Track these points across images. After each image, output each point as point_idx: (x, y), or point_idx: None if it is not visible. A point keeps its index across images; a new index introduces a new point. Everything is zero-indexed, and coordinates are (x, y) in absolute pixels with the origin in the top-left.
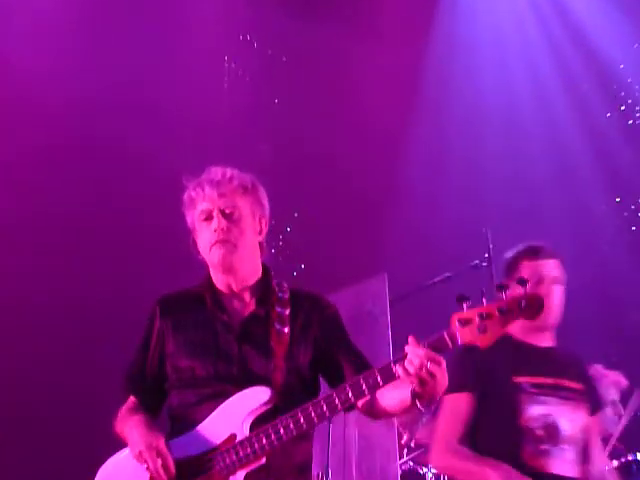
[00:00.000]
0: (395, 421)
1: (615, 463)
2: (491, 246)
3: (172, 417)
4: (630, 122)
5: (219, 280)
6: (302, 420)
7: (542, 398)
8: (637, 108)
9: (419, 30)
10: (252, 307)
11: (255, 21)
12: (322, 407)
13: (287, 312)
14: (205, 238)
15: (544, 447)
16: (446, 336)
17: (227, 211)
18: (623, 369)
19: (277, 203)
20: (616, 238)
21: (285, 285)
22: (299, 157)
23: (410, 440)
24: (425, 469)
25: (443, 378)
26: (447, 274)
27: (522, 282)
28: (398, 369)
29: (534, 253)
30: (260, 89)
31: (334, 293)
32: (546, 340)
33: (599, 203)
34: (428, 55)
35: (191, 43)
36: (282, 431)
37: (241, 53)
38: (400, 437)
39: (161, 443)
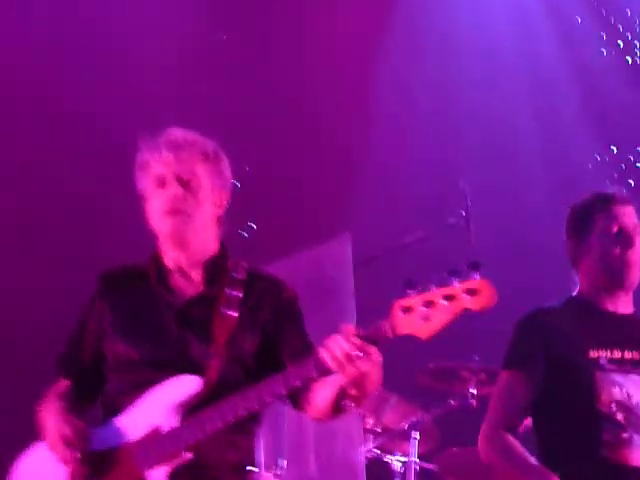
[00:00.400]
0: None
1: None
2: (469, 202)
3: (103, 404)
4: (630, 60)
5: (168, 254)
6: (229, 413)
7: (623, 376)
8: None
9: None
10: (200, 287)
11: None
12: (251, 400)
13: (239, 295)
14: (157, 206)
15: (626, 435)
16: (385, 325)
17: (184, 178)
18: None
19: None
20: None
21: (244, 265)
22: (251, 104)
23: (376, 425)
24: (392, 457)
25: (375, 374)
26: (420, 234)
27: (475, 266)
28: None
29: (609, 201)
30: (215, 26)
31: (290, 256)
32: (625, 305)
33: (590, 152)
34: None
35: None
36: (208, 425)
37: None
38: (364, 421)
39: (70, 432)
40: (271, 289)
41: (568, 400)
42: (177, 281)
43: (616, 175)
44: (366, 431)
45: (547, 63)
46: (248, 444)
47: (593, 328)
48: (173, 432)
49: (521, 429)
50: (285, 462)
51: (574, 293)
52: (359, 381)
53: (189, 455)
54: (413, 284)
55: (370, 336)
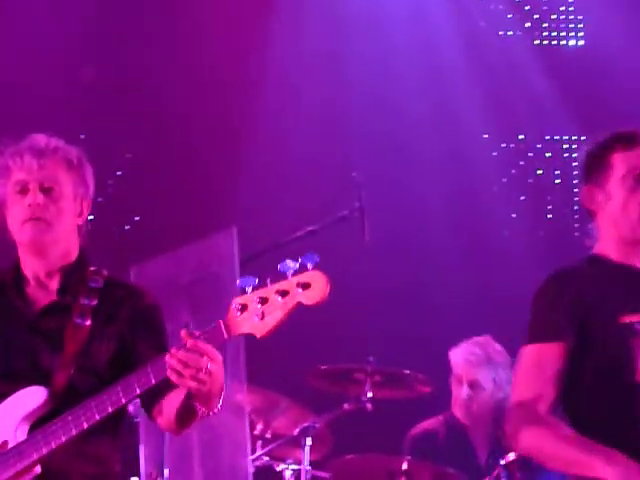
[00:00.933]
0: (246, 407)
1: (512, 456)
2: (362, 193)
3: None
4: (536, 42)
5: (26, 263)
6: (72, 425)
7: None
8: (544, 26)
9: None
10: (55, 295)
11: None
12: (92, 411)
13: (93, 303)
14: (17, 213)
15: None
16: (221, 325)
17: (46, 185)
18: None
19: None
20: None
21: (103, 274)
22: (132, 88)
23: (265, 430)
24: (283, 465)
25: (219, 374)
26: (310, 228)
27: (310, 258)
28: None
29: (630, 140)
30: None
31: (173, 251)
32: None
33: (495, 141)
34: None
35: None
36: (52, 438)
37: None
38: (253, 427)
39: None
40: (129, 297)
41: (602, 370)
42: (33, 290)
43: (522, 163)
44: (255, 437)
45: (446, 47)
46: (105, 454)
47: (622, 289)
48: (18, 446)
49: None
50: (168, 471)
51: (594, 250)
52: (201, 383)
53: (37, 470)
54: (251, 280)
55: (207, 338)
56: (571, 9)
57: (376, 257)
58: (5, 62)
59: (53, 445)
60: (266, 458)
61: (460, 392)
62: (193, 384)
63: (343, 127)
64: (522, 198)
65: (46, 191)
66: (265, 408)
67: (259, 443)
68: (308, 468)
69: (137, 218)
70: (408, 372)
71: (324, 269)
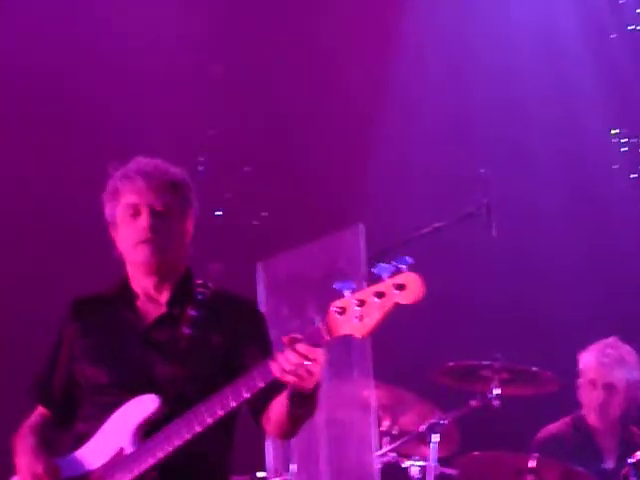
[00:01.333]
0: (373, 404)
1: None
2: (490, 190)
3: (75, 430)
4: None
5: (138, 280)
6: (185, 430)
7: None
8: None
9: None
10: (165, 308)
11: None
12: (203, 415)
13: (200, 314)
14: (130, 235)
15: None
16: (322, 328)
17: (156, 208)
18: None
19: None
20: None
21: (210, 286)
22: (258, 86)
23: (392, 427)
24: (409, 462)
25: (318, 374)
26: (437, 224)
27: (402, 260)
28: (274, 369)
29: None
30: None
31: (299, 247)
32: None
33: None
34: None
35: None
36: (166, 443)
37: None
38: (380, 423)
39: (40, 469)
40: (235, 308)
41: None
42: (143, 304)
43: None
44: (382, 434)
45: (571, 44)
46: (218, 455)
47: None
48: (135, 453)
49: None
50: (295, 467)
51: None
52: (300, 378)
53: (153, 475)
54: (348, 284)
55: (309, 340)
56: None
57: (501, 254)
58: (136, 60)
59: (169, 449)
60: (393, 454)
61: (593, 396)
62: (293, 378)
63: (469, 125)
64: None
65: (156, 213)
66: (392, 404)
67: (386, 439)
68: (435, 465)
69: (265, 214)
70: (536, 369)
71: (450, 265)
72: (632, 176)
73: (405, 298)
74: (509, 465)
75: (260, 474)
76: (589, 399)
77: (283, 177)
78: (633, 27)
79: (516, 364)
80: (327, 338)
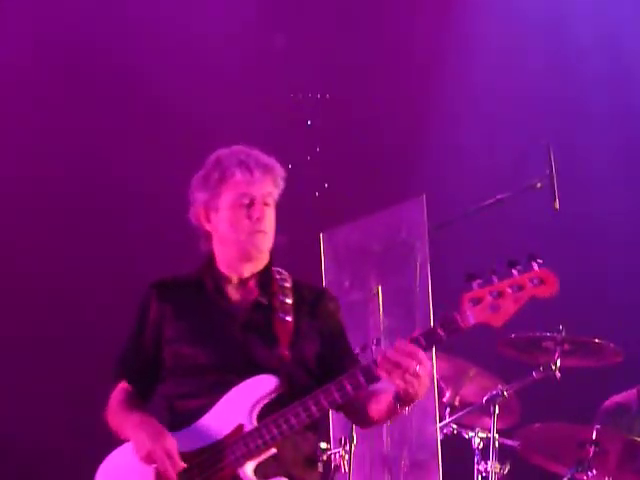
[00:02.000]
0: (435, 375)
1: None
2: (553, 163)
3: (171, 406)
4: None
5: (232, 265)
6: (313, 408)
7: None
8: None
9: None
10: (254, 294)
11: None
12: (311, 409)
13: (290, 301)
14: (243, 223)
15: None
16: (457, 317)
17: (267, 200)
18: None
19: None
20: None
21: (286, 273)
22: (322, 58)
23: (454, 398)
24: (471, 433)
25: (426, 378)
26: (499, 196)
27: (533, 258)
28: (380, 371)
29: None
30: None
31: (363, 218)
32: None
33: None
34: None
35: None
36: (293, 420)
37: None
38: (442, 394)
39: (170, 444)
40: (320, 298)
41: None
42: (234, 288)
43: None
44: (443, 405)
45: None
46: (315, 440)
47: None
48: (258, 429)
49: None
50: (355, 437)
51: None
52: (408, 384)
53: (273, 450)
54: (475, 276)
55: (443, 327)
56: None
57: (564, 225)
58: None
59: (297, 426)
60: (454, 426)
61: None
62: (401, 383)
63: (533, 95)
64: None
65: (267, 205)
66: (454, 376)
67: (447, 411)
68: (496, 436)
69: (327, 185)
70: (598, 341)
71: (512, 237)
72: None
73: (543, 292)
74: (570, 437)
75: (323, 445)
76: None
77: (345, 148)
78: None
79: (579, 336)
80: (463, 326)
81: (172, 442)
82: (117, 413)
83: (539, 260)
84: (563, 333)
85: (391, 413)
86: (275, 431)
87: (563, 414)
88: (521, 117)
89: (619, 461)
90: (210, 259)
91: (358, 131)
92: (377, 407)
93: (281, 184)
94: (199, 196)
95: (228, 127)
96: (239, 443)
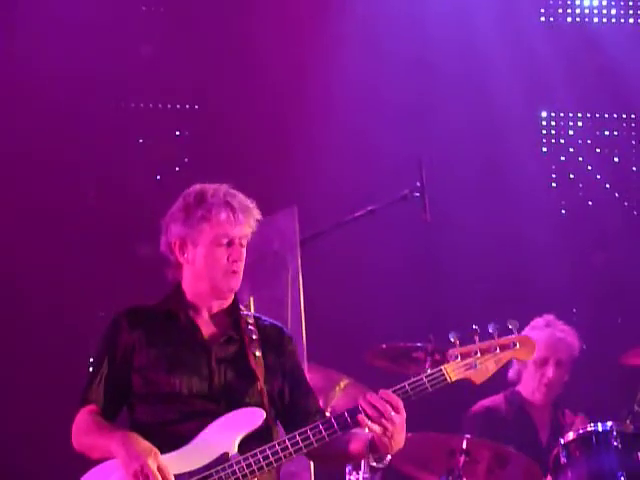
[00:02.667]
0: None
1: (572, 435)
2: (424, 174)
3: (146, 432)
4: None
5: (204, 300)
6: (300, 442)
7: None
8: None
9: None
10: (225, 329)
11: None
12: (299, 444)
13: (256, 337)
14: (221, 262)
15: None
16: (444, 370)
17: (243, 242)
18: None
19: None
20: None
21: (248, 312)
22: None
23: (325, 408)
24: None
25: (402, 425)
26: (370, 207)
27: (513, 324)
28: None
29: None
30: None
31: None
32: None
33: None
34: None
35: None
36: (280, 452)
37: None
38: None
39: (160, 460)
40: (281, 336)
41: None
42: (206, 322)
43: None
44: None
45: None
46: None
47: None
48: (244, 459)
49: None
50: None
51: None
52: (383, 428)
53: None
54: (458, 336)
55: (431, 382)
56: None
57: (435, 237)
58: None
59: (283, 459)
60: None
61: (545, 373)
62: (377, 428)
63: (404, 107)
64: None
65: (242, 246)
66: (325, 387)
67: None
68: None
69: None
70: None
71: (384, 248)
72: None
73: (521, 354)
74: (441, 446)
75: None
76: (535, 376)
77: (215, 159)
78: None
79: (448, 346)
80: (449, 381)
81: (161, 460)
82: (92, 432)
83: (516, 323)
84: (433, 343)
85: (362, 457)
86: (261, 461)
87: (436, 424)
88: (393, 129)
89: (488, 469)
90: (178, 289)
91: (227, 142)
92: (356, 446)
93: (255, 227)
94: (177, 228)
95: (98, 137)
96: (225, 469)
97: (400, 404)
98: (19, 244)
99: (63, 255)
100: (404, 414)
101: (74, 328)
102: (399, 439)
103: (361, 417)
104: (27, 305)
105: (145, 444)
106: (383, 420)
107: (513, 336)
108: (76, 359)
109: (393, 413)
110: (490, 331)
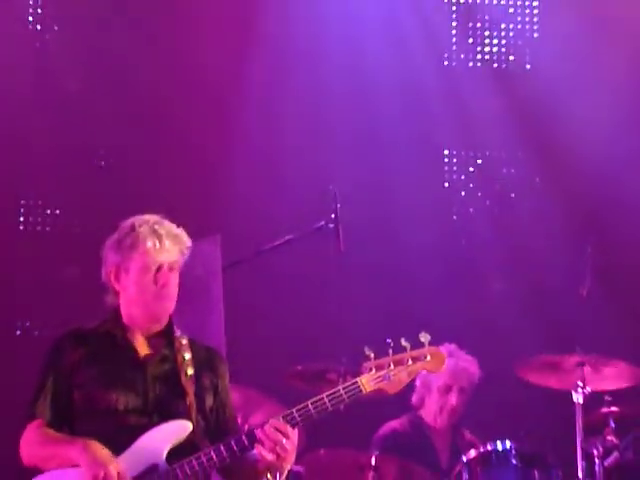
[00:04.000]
0: None
1: (473, 453)
2: (339, 206)
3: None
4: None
5: (138, 322)
6: (215, 459)
7: None
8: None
9: None
10: (160, 349)
11: None
12: (213, 459)
13: (188, 356)
14: (150, 288)
15: None
16: (359, 382)
17: (174, 267)
18: None
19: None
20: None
21: (183, 334)
22: (123, 99)
23: (242, 426)
24: None
25: (292, 451)
26: (288, 237)
27: (425, 337)
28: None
29: None
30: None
31: None
32: None
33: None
34: None
35: None
36: (205, 463)
37: None
38: None
39: (121, 467)
40: (213, 357)
41: None
42: (140, 344)
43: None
44: None
45: (414, 66)
46: None
47: None
48: (172, 469)
49: None
50: None
51: None
52: (275, 454)
53: None
54: (372, 350)
55: (349, 390)
56: None
57: (350, 265)
58: None
59: (209, 468)
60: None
61: (448, 400)
62: (271, 456)
63: (323, 143)
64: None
65: (171, 270)
66: (243, 405)
67: None
68: None
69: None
70: None
71: (301, 276)
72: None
73: (431, 366)
74: (352, 462)
75: None
76: (438, 402)
77: (140, 188)
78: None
79: (360, 368)
80: (364, 392)
81: (122, 466)
82: (48, 443)
83: (428, 336)
84: (345, 365)
85: (263, 474)
86: (188, 471)
87: (346, 440)
88: (314, 162)
89: None
90: (116, 313)
91: (153, 171)
92: (260, 465)
93: (186, 253)
94: (111, 257)
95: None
96: None
97: (289, 431)
98: None
99: None
100: (294, 438)
101: None
102: (290, 459)
103: (258, 448)
104: None
105: (106, 452)
106: (277, 448)
107: (424, 349)
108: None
109: (284, 440)
110: (403, 344)
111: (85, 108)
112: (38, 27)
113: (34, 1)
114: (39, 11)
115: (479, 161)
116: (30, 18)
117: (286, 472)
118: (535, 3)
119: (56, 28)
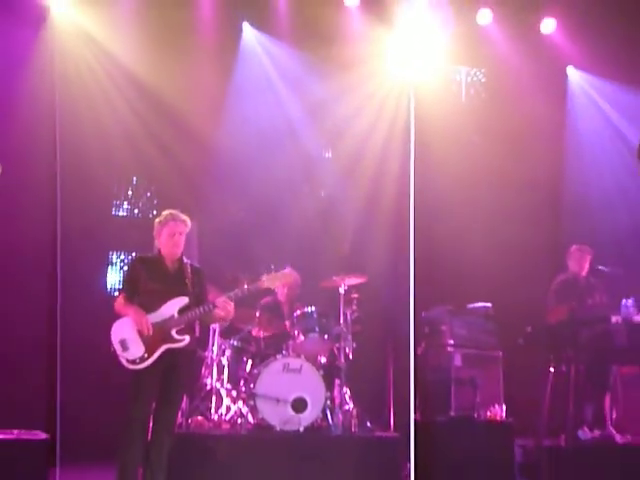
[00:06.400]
0: None
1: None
2: None
3: (143, 304)
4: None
5: (166, 257)
6: (202, 311)
7: None
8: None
9: None
10: (176, 266)
11: None
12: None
13: (189, 270)
14: (170, 244)
15: None
16: (262, 280)
17: (182, 233)
18: None
19: None
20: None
21: (188, 261)
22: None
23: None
24: None
25: (231, 314)
26: None
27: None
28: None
29: None
30: None
31: None
32: None
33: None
34: None
35: None
36: (197, 312)
37: None
38: None
39: (145, 315)
40: (199, 271)
41: None
42: (168, 264)
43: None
44: None
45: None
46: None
47: None
48: (180, 316)
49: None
50: None
51: None
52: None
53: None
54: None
55: (253, 286)
56: None
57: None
58: None
59: (186, 318)
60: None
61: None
62: (222, 312)
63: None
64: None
65: (180, 234)
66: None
67: None
68: None
69: None
70: None
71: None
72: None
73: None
74: None
75: None
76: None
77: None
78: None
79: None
80: (262, 287)
81: (147, 318)
82: (124, 306)
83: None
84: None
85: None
86: (190, 316)
87: None
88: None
89: None
90: (158, 251)
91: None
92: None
93: (189, 225)
94: (156, 227)
95: None
96: (171, 322)
97: (229, 303)
98: None
99: None
100: (231, 307)
101: None
102: (229, 317)
103: (216, 309)
104: None
105: (141, 311)
106: (226, 309)
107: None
108: None
109: (228, 307)
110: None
111: None
112: None
113: None
114: None
115: None
116: None
117: (225, 322)
118: None
119: None
